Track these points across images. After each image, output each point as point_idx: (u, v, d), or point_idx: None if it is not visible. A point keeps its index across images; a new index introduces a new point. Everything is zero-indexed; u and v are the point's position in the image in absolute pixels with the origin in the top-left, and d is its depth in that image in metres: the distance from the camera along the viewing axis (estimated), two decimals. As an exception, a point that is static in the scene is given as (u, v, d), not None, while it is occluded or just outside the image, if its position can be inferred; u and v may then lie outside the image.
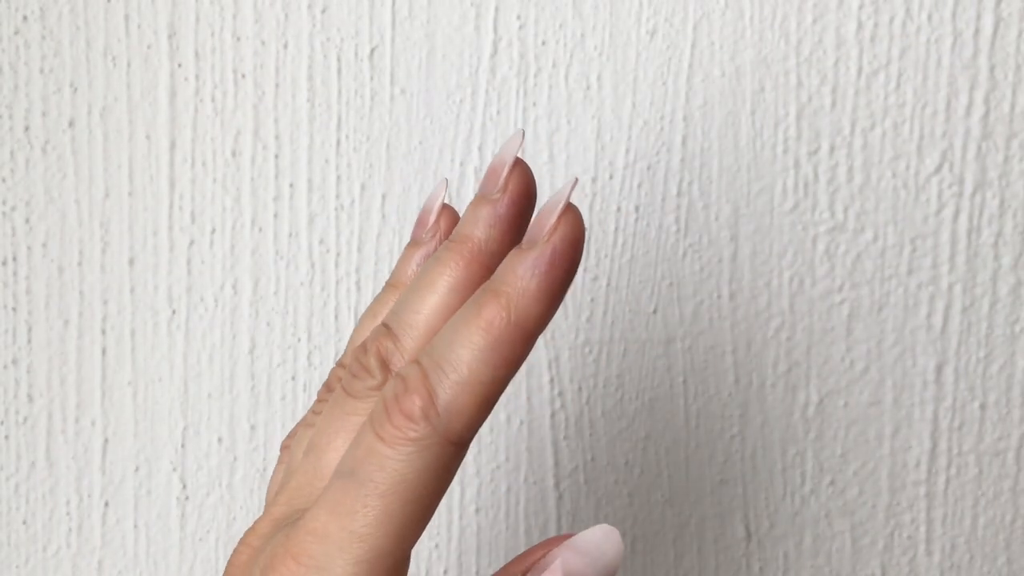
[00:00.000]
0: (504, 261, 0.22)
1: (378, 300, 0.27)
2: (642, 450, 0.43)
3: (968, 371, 0.42)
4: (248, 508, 0.43)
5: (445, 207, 0.27)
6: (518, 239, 0.23)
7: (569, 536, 0.23)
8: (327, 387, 0.26)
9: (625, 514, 0.43)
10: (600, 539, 0.23)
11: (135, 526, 0.43)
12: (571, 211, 0.21)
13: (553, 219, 0.21)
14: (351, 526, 0.21)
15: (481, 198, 0.24)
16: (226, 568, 0.23)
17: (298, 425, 0.26)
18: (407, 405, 0.21)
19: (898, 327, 0.42)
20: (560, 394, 0.42)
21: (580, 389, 0.42)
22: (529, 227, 0.22)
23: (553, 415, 0.42)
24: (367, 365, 0.24)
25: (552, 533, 0.43)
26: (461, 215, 0.25)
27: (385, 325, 0.24)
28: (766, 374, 0.42)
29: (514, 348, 0.21)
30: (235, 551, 0.23)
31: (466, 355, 0.21)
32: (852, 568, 0.43)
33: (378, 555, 0.21)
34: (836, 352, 0.42)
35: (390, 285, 0.27)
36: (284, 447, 0.27)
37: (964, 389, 0.43)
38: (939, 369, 0.42)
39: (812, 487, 0.43)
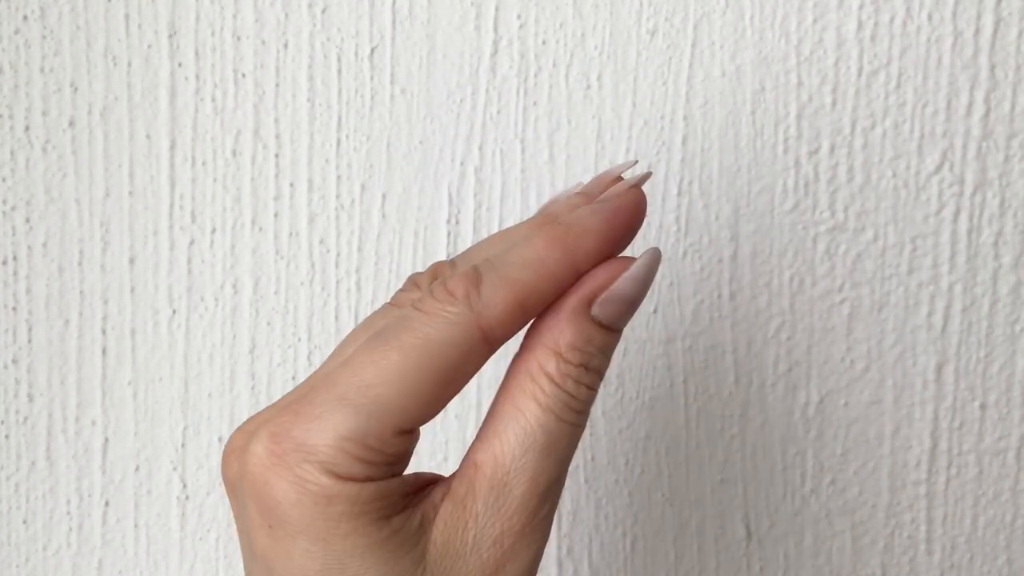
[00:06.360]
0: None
1: None
2: (642, 449, 0.43)
3: (968, 371, 0.42)
4: (248, 508, 0.43)
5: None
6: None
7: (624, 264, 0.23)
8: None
9: (625, 513, 0.43)
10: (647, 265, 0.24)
11: (135, 525, 0.43)
12: (640, 190, 0.23)
13: (627, 186, 0.23)
14: (361, 375, 0.21)
15: (586, 195, 0.24)
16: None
17: None
18: (452, 284, 0.22)
19: (898, 327, 0.42)
20: (560, 394, 0.42)
21: (580, 389, 0.42)
22: (592, 180, 0.24)
23: (553, 415, 0.42)
24: (418, 280, 0.25)
25: (552, 533, 0.43)
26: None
27: (450, 260, 0.25)
28: (766, 374, 0.42)
29: (560, 267, 0.22)
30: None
31: (516, 259, 0.22)
32: (852, 568, 0.43)
33: (381, 405, 0.20)
34: (836, 352, 0.42)
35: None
36: None
37: (964, 389, 0.43)
38: (939, 369, 0.42)
39: (812, 486, 0.43)
